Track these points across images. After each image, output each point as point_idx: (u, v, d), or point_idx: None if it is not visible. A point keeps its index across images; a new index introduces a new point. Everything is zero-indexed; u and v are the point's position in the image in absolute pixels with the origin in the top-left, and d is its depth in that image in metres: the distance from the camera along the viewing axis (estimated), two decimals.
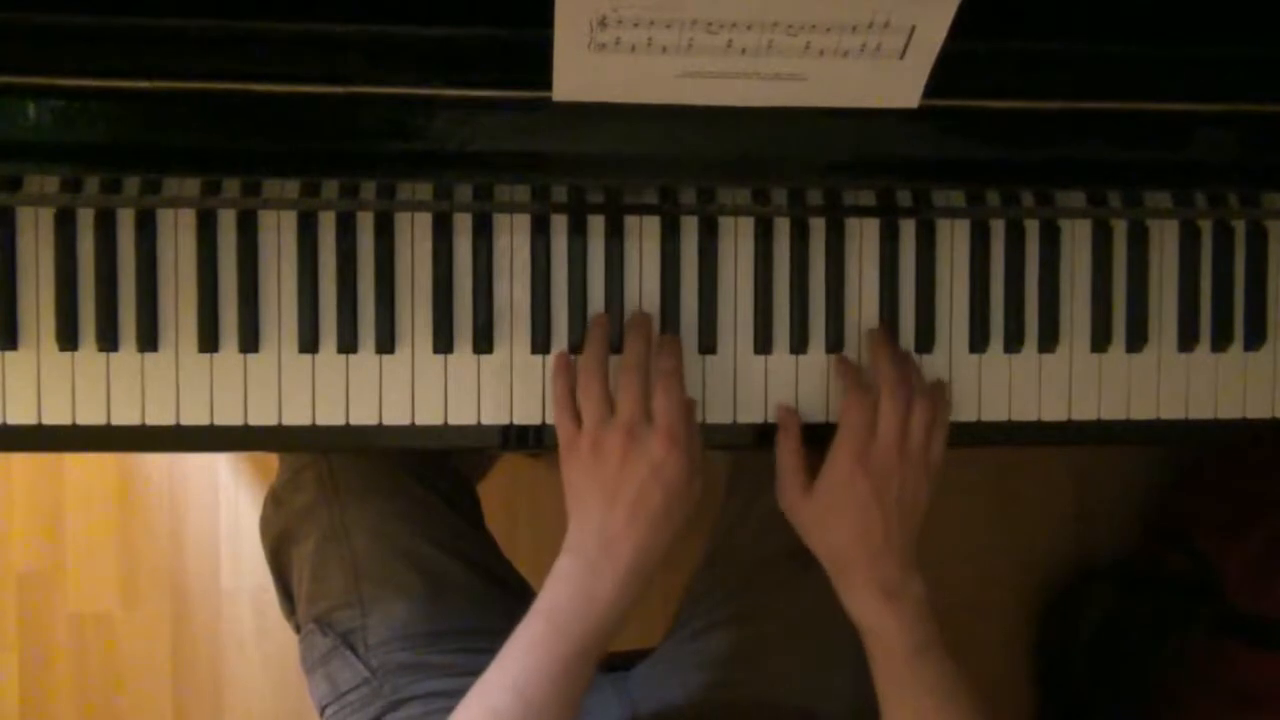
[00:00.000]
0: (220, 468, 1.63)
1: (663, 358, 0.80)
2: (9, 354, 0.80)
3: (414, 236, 0.82)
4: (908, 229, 0.85)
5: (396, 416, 0.82)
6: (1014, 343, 0.86)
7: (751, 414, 0.85)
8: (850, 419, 0.80)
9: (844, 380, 0.83)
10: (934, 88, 0.71)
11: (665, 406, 0.77)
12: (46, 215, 0.80)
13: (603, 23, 0.66)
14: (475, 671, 0.89)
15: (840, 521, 0.80)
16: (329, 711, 0.95)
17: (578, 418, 0.79)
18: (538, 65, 0.69)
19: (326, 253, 0.82)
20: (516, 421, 0.83)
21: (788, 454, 0.82)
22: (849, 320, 0.85)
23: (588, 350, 0.81)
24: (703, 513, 1.00)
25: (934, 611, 0.80)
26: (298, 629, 1.00)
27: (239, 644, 1.64)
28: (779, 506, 0.84)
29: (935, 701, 0.79)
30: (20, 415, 0.80)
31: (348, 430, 0.82)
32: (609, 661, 1.03)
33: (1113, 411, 0.87)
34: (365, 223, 0.82)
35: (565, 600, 0.77)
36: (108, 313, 0.80)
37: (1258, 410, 0.87)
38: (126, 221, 0.80)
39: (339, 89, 0.72)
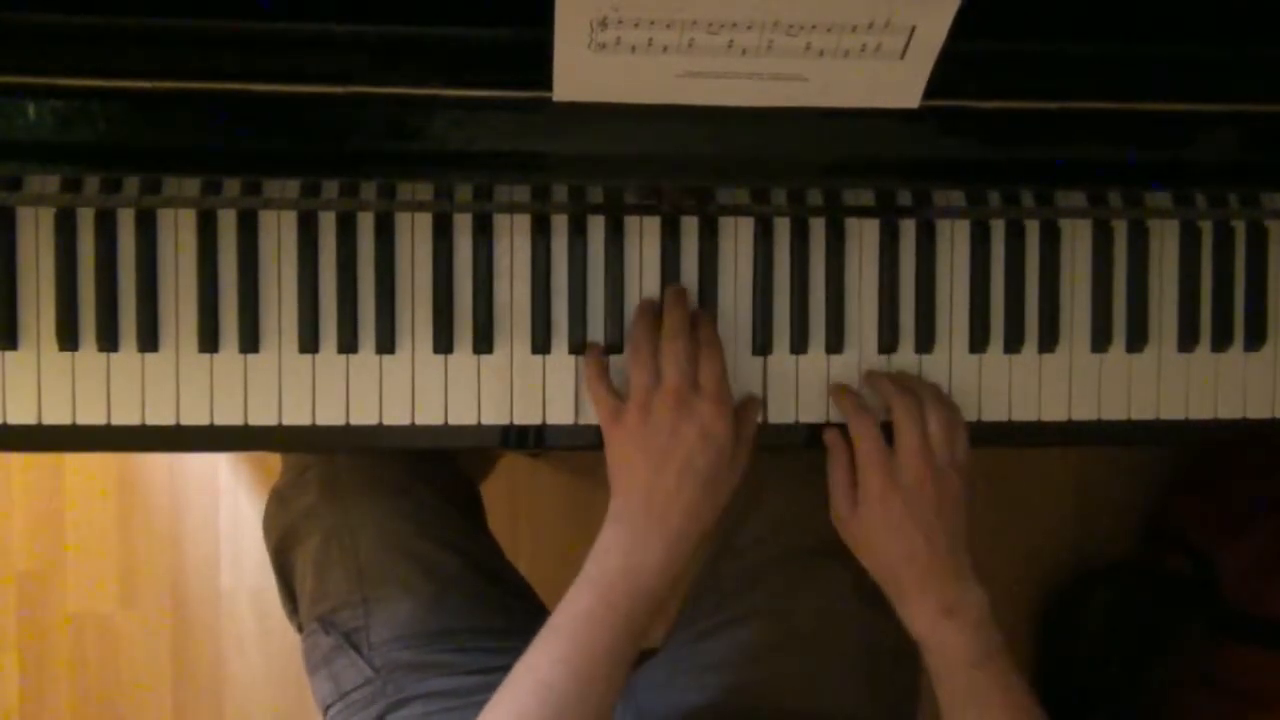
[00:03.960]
0: (220, 468, 1.63)
1: (704, 329, 0.80)
2: (9, 354, 0.80)
3: (414, 236, 0.82)
4: (908, 229, 0.85)
5: (396, 416, 0.82)
6: (1014, 343, 0.86)
7: None
8: (862, 442, 0.81)
9: (843, 408, 0.83)
10: (934, 88, 0.71)
11: (711, 373, 0.78)
12: (46, 215, 0.80)
13: (603, 23, 0.66)
14: (478, 670, 0.89)
15: (884, 539, 0.80)
16: (332, 711, 0.95)
17: (615, 395, 0.80)
18: (538, 65, 0.69)
19: (326, 253, 0.82)
20: (516, 421, 0.83)
21: (838, 471, 0.83)
22: (849, 320, 0.85)
23: (638, 324, 0.81)
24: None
25: (995, 620, 0.79)
26: (300, 629, 1.00)
27: (239, 644, 1.64)
28: (831, 521, 0.84)
29: (994, 715, 0.78)
30: (20, 415, 0.80)
31: (348, 430, 0.82)
32: None
33: (1113, 411, 0.87)
34: (365, 223, 0.82)
35: (613, 570, 0.76)
36: (108, 313, 0.80)
37: (1258, 410, 0.87)
38: (126, 221, 0.80)
39: (339, 89, 0.72)
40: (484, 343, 0.83)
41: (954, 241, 0.86)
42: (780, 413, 0.85)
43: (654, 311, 0.82)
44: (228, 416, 0.81)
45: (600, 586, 0.76)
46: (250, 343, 0.81)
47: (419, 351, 0.83)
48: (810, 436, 0.84)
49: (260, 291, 0.81)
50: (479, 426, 0.83)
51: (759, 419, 0.83)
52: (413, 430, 0.83)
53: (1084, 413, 0.87)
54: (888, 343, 0.85)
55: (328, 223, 0.82)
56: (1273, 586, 1.35)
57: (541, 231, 0.83)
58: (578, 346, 0.83)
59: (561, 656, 0.75)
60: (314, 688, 0.97)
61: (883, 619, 0.84)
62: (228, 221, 0.81)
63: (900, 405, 0.80)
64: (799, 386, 0.85)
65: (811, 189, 0.83)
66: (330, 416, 0.82)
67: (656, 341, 0.79)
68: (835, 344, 0.85)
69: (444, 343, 0.82)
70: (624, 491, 0.78)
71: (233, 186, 0.80)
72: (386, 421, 0.82)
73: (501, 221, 0.83)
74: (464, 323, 0.83)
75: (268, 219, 0.81)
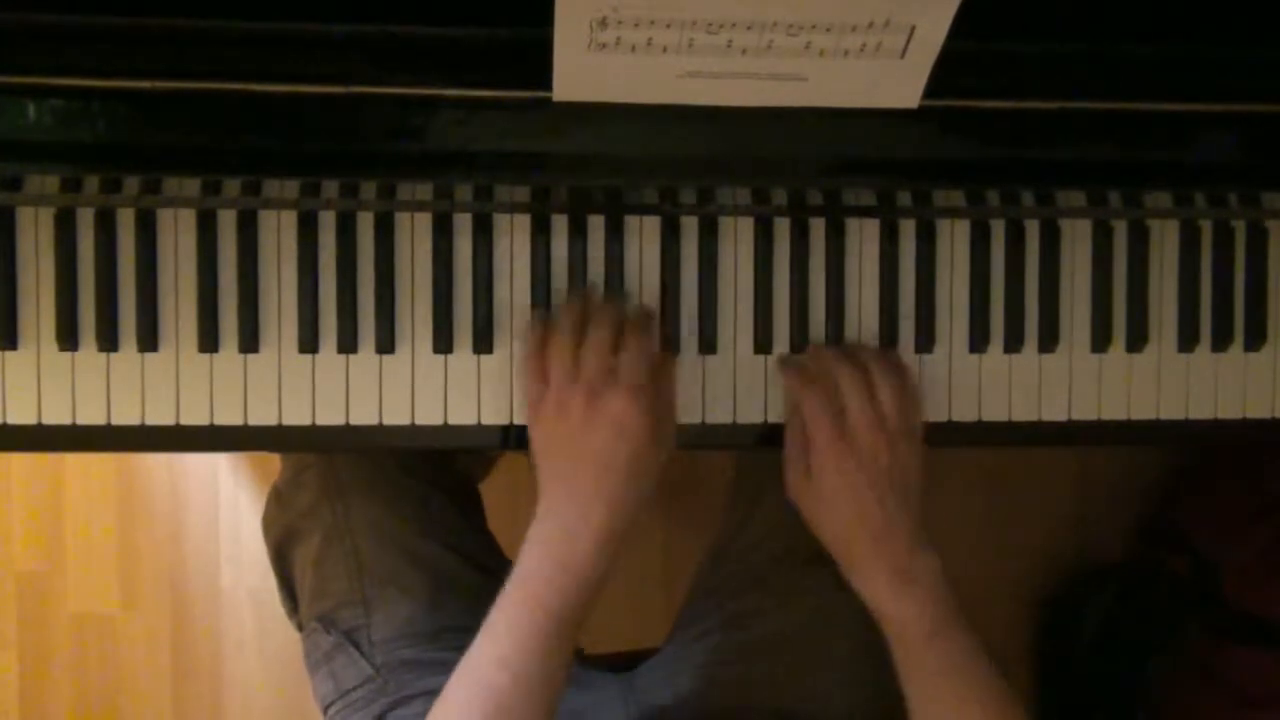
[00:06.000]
0: (220, 468, 1.63)
1: (635, 317, 0.79)
2: (9, 354, 0.80)
3: (414, 236, 0.82)
4: (908, 229, 0.85)
5: (396, 416, 0.82)
6: (1014, 343, 0.86)
7: (751, 414, 0.85)
8: (811, 407, 0.79)
9: (788, 376, 0.82)
10: (934, 88, 0.71)
11: (629, 361, 0.76)
12: (46, 215, 0.80)
13: (603, 23, 0.66)
14: None
15: (837, 506, 0.79)
16: (333, 710, 0.95)
17: (545, 378, 0.78)
18: (538, 65, 0.69)
19: (326, 253, 0.82)
20: (517, 421, 0.83)
21: (792, 440, 0.82)
22: (849, 320, 0.85)
23: (562, 313, 0.80)
24: (704, 514, 1.00)
25: (950, 586, 0.78)
26: (300, 628, 1.00)
27: (239, 644, 1.64)
28: (786, 497, 0.83)
29: (955, 683, 0.77)
30: (20, 415, 0.80)
31: (348, 430, 0.82)
32: (611, 662, 1.03)
33: (1113, 411, 0.87)
34: (365, 223, 0.82)
35: (544, 566, 0.76)
36: (108, 313, 0.80)
37: (1258, 410, 0.87)
38: (126, 221, 0.80)
39: (339, 89, 0.72)
40: (484, 343, 0.83)
41: (954, 241, 0.86)
42: (781, 412, 0.85)
43: (585, 302, 0.80)
44: (228, 416, 0.81)
45: (532, 584, 0.76)
46: (250, 343, 0.81)
47: (419, 351, 0.83)
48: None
49: (260, 291, 0.81)
50: (479, 426, 0.83)
51: (675, 384, 0.81)
52: (413, 430, 0.83)
53: (1084, 413, 0.87)
54: (887, 342, 0.85)
55: (328, 223, 0.82)
56: (1273, 587, 1.35)
57: (541, 231, 0.83)
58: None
59: (499, 657, 0.75)
60: (314, 686, 0.97)
61: None
62: (228, 221, 0.81)
63: (846, 378, 0.79)
64: None
65: (811, 189, 0.83)
66: (330, 416, 0.82)
67: (579, 333, 0.78)
68: (835, 344, 0.85)
69: (444, 343, 0.82)
70: (548, 483, 0.77)
71: (233, 186, 0.80)
72: (386, 421, 0.82)
73: (501, 221, 0.83)
74: (464, 323, 0.83)
75: (268, 219, 0.81)
